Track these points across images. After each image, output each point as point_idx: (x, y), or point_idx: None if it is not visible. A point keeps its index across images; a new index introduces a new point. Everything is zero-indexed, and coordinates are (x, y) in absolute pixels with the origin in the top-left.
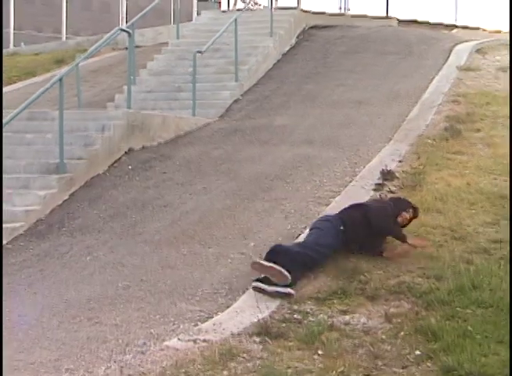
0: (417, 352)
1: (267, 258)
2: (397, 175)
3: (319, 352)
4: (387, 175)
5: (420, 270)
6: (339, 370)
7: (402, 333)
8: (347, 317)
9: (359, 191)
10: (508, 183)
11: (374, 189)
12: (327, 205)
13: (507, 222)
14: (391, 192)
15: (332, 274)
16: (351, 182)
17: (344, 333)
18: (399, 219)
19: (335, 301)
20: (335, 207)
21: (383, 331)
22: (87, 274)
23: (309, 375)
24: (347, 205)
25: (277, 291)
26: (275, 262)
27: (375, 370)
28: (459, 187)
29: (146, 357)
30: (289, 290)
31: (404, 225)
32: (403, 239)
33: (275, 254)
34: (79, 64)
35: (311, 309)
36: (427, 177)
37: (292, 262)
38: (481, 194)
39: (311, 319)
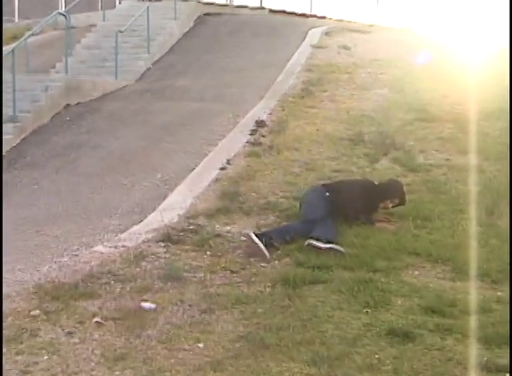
0: (279, 252)
1: (263, 234)
2: (267, 123)
3: (208, 252)
4: (260, 123)
5: (283, 193)
6: (222, 265)
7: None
8: (228, 227)
9: (239, 135)
10: (350, 129)
11: (250, 134)
12: (216, 146)
13: (345, 157)
14: (263, 136)
15: (218, 196)
16: (233, 128)
17: (226, 238)
18: (381, 205)
19: (221, 216)
20: (221, 147)
21: None
22: (34, 198)
23: (200, 269)
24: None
25: (331, 248)
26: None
27: (248, 265)
28: (311, 132)
29: (79, 259)
30: (340, 248)
31: (384, 209)
32: (370, 223)
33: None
34: (27, 40)
35: (202, 222)
36: (289, 124)
37: (278, 234)
38: (326, 137)
39: (202, 229)
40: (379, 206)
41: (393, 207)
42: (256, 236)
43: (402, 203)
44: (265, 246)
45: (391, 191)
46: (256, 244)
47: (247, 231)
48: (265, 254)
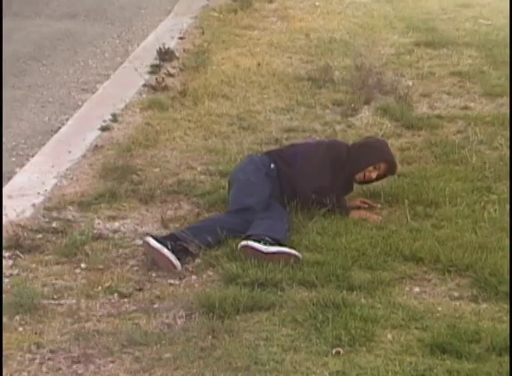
0: (198, 260)
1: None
2: (177, 54)
3: (82, 265)
4: (166, 54)
5: (203, 166)
6: (106, 285)
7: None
8: (116, 224)
9: (132, 74)
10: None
11: (150, 72)
12: (93, 92)
13: (304, 108)
14: (170, 75)
15: (99, 174)
16: (122, 63)
17: (113, 242)
18: (359, 176)
19: (102, 205)
20: (103, 94)
21: None
22: None
23: (70, 292)
24: None
25: (280, 252)
26: (174, 240)
27: (148, 282)
28: (248, 68)
29: None
30: (295, 252)
31: (365, 182)
32: (342, 211)
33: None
34: None
35: (73, 217)
36: (213, 56)
37: (195, 233)
38: (273, 76)
39: (73, 227)
40: (355, 179)
41: (378, 178)
42: (157, 240)
43: (391, 170)
44: (174, 252)
45: (373, 153)
46: (158, 251)
47: (146, 231)
48: (174, 265)
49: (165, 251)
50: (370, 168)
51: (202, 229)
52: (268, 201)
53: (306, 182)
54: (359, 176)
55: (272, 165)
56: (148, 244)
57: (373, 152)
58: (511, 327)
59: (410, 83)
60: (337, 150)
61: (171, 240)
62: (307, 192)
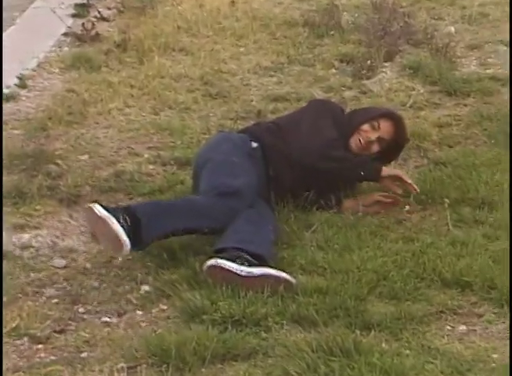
0: (145, 288)
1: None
2: None
3: None
4: None
5: (153, 152)
6: (11, 326)
7: (120, 258)
8: (25, 236)
9: (48, 17)
10: None
11: (74, 15)
12: None
13: (298, 67)
14: (103, 19)
15: (5, 164)
16: (33, 1)
17: (22, 263)
18: (353, 142)
19: (8, 209)
20: (5, 46)
21: (88, 257)
22: None
23: None
24: None
25: (265, 275)
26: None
27: (73, 321)
28: (217, 9)
29: None
30: (286, 275)
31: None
32: (372, 172)
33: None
34: None
35: None
36: None
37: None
38: (253, 20)
39: None
40: (351, 146)
41: (385, 150)
42: (106, 209)
43: (398, 132)
44: (125, 230)
45: (370, 109)
46: (103, 221)
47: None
48: (121, 243)
49: (114, 221)
50: (365, 126)
51: (162, 211)
52: (256, 190)
53: (310, 142)
54: (354, 141)
55: (254, 144)
56: (91, 210)
57: (370, 109)
58: None
59: (452, 29)
60: (330, 105)
61: (122, 213)
62: (320, 149)
